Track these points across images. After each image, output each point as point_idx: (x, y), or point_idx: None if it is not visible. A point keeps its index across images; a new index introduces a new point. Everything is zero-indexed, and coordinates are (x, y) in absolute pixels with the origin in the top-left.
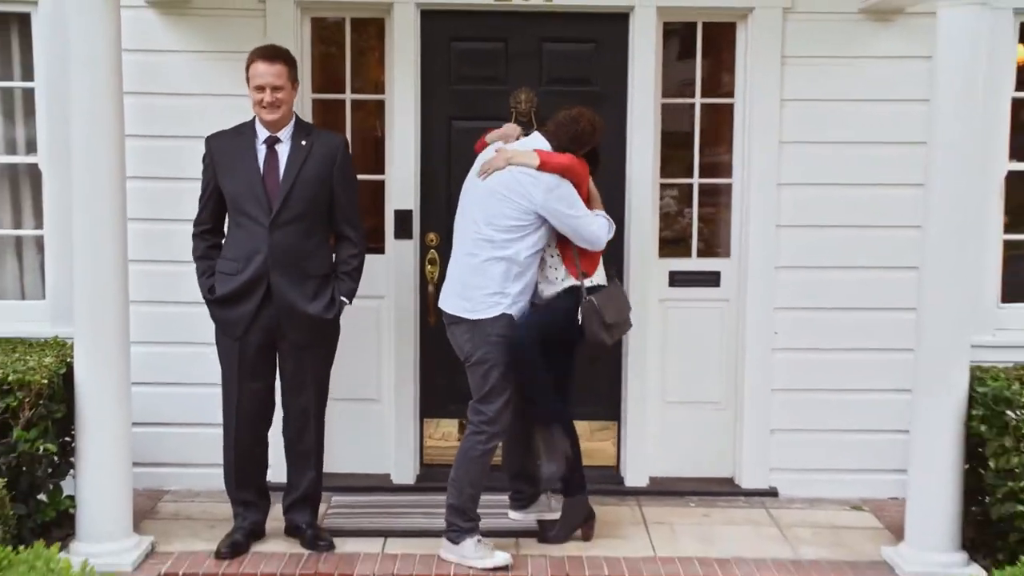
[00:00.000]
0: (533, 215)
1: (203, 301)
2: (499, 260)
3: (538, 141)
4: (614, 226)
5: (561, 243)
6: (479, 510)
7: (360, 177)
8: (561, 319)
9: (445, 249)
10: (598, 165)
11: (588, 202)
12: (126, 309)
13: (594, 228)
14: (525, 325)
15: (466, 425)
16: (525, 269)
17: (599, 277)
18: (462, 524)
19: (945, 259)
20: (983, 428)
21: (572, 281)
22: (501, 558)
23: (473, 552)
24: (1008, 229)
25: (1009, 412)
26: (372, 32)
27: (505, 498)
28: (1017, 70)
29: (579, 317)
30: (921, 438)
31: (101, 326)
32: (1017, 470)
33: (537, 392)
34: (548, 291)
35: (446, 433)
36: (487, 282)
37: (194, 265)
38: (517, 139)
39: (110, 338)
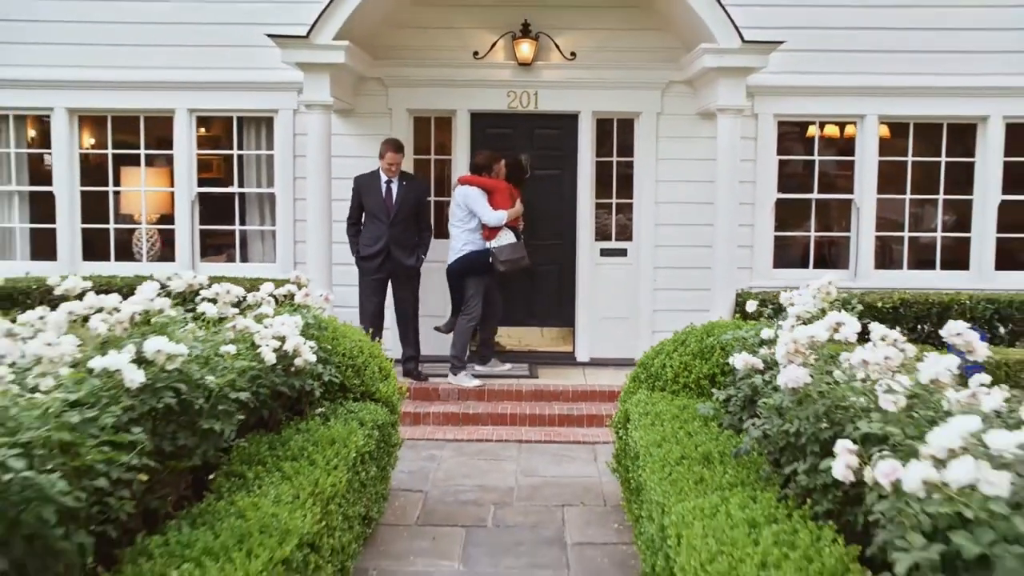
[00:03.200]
0: (466, 210)
1: (353, 262)
2: (464, 234)
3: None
4: (502, 218)
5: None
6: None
7: (438, 199)
8: (481, 260)
9: None
10: (524, 175)
11: (510, 204)
12: (330, 266)
13: (486, 213)
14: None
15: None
16: (474, 237)
17: (504, 238)
18: (457, 364)
19: (725, 241)
20: (738, 317)
21: (485, 244)
22: (477, 382)
23: (464, 378)
24: (778, 229)
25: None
26: (445, 123)
27: (474, 366)
28: (806, 138)
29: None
30: None
31: (321, 274)
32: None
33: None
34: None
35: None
36: (461, 246)
37: (347, 244)
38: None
39: (324, 280)
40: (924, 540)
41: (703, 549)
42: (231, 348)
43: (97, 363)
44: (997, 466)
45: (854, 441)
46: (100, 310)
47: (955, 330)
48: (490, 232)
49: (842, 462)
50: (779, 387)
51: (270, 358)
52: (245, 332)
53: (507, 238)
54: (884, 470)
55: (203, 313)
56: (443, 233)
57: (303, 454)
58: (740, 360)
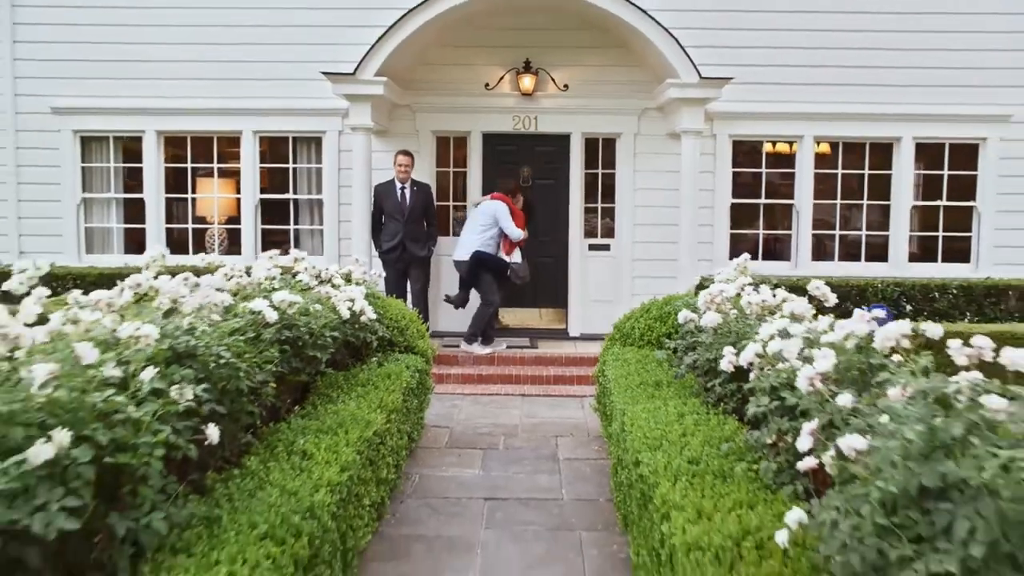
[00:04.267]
0: (491, 219)
1: (378, 254)
2: (480, 237)
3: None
4: (522, 235)
5: (504, 241)
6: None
7: (456, 203)
8: (495, 262)
9: None
10: (532, 211)
11: (523, 227)
12: (371, 257)
13: (510, 228)
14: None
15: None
16: (488, 242)
17: (517, 257)
18: (473, 337)
19: (687, 238)
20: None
21: (494, 251)
22: (488, 350)
23: (478, 346)
24: (732, 228)
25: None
26: (462, 142)
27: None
28: (755, 154)
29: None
30: None
31: (366, 259)
32: None
33: (485, 288)
34: (487, 250)
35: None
36: (475, 245)
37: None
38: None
39: (366, 263)
40: (768, 399)
41: (645, 427)
42: (318, 306)
43: (245, 305)
44: (792, 341)
45: (740, 351)
46: (231, 277)
47: (815, 286)
48: (509, 246)
49: (727, 359)
50: (704, 328)
51: (345, 313)
52: (325, 296)
53: (518, 256)
54: (744, 355)
55: (299, 281)
56: (450, 231)
57: (369, 382)
58: (683, 315)
